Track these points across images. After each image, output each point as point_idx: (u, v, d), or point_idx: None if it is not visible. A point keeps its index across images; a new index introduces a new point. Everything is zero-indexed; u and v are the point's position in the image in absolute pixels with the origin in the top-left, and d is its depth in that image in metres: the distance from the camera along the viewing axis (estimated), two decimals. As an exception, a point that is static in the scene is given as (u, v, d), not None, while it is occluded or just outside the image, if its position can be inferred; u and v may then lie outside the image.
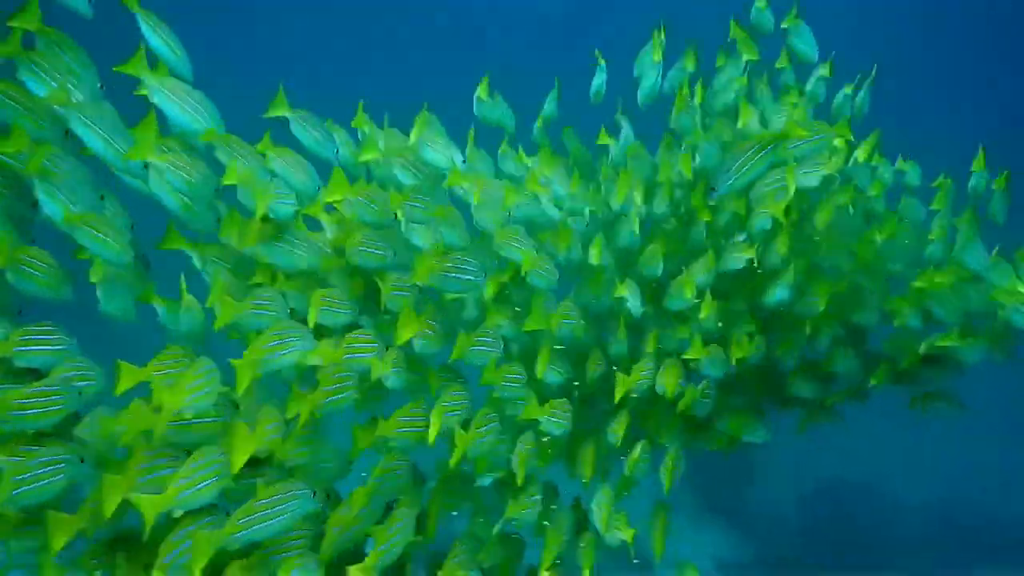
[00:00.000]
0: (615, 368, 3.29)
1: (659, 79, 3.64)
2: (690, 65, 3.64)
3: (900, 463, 8.05)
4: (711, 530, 7.69)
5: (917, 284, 3.46)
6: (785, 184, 2.93)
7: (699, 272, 3.10)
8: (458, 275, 2.81)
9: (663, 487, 3.25)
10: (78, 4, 2.41)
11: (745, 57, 3.43)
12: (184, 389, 2.10)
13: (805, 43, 3.70)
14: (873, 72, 3.96)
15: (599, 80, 3.91)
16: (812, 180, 3.00)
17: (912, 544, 7.51)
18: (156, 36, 2.54)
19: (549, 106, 3.86)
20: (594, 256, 3.12)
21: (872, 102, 4.01)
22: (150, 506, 1.98)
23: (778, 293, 3.28)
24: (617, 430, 3.12)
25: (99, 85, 2.37)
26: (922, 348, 3.53)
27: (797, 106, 3.36)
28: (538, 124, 3.79)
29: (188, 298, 2.59)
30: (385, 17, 15.82)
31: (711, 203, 3.23)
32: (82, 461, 2.12)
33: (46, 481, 1.99)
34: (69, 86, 2.23)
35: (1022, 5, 15.42)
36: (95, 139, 2.28)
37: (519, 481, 2.76)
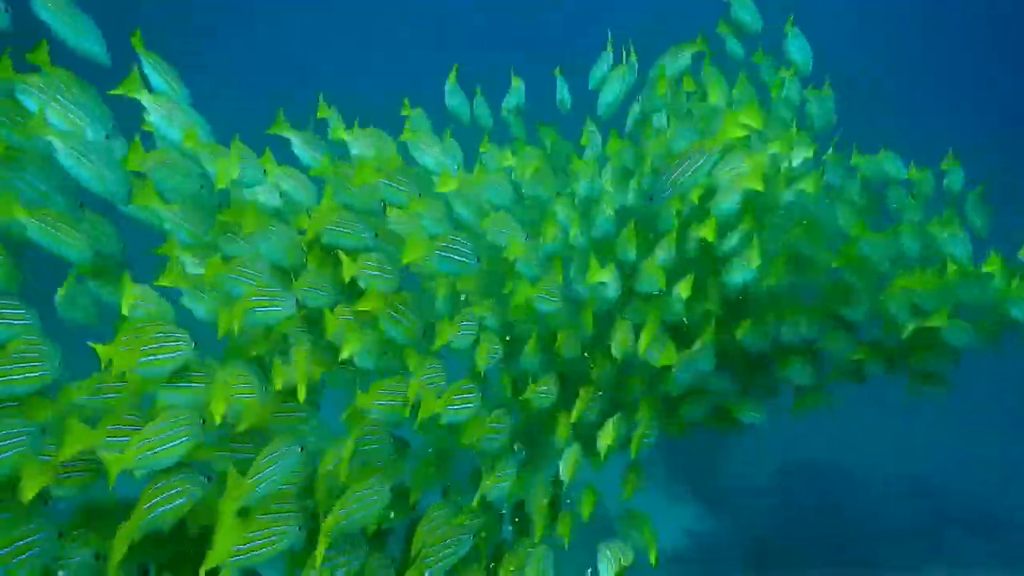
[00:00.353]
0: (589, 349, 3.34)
1: (619, 93, 3.61)
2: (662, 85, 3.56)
3: (873, 443, 8.22)
4: (687, 507, 7.81)
5: (902, 283, 3.47)
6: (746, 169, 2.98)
7: (661, 252, 3.09)
8: (452, 255, 2.82)
9: (631, 452, 3.27)
10: (97, 53, 2.50)
11: (694, 49, 3.41)
12: (139, 351, 2.13)
13: (801, 51, 3.71)
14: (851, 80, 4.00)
15: (562, 92, 3.93)
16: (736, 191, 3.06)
17: (889, 521, 7.74)
18: (157, 75, 2.64)
19: (513, 98, 3.86)
20: (627, 240, 3.09)
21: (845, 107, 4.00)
22: (114, 462, 2.02)
23: (738, 276, 3.27)
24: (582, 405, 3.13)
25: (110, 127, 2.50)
26: (908, 330, 3.54)
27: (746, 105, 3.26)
28: (509, 115, 3.82)
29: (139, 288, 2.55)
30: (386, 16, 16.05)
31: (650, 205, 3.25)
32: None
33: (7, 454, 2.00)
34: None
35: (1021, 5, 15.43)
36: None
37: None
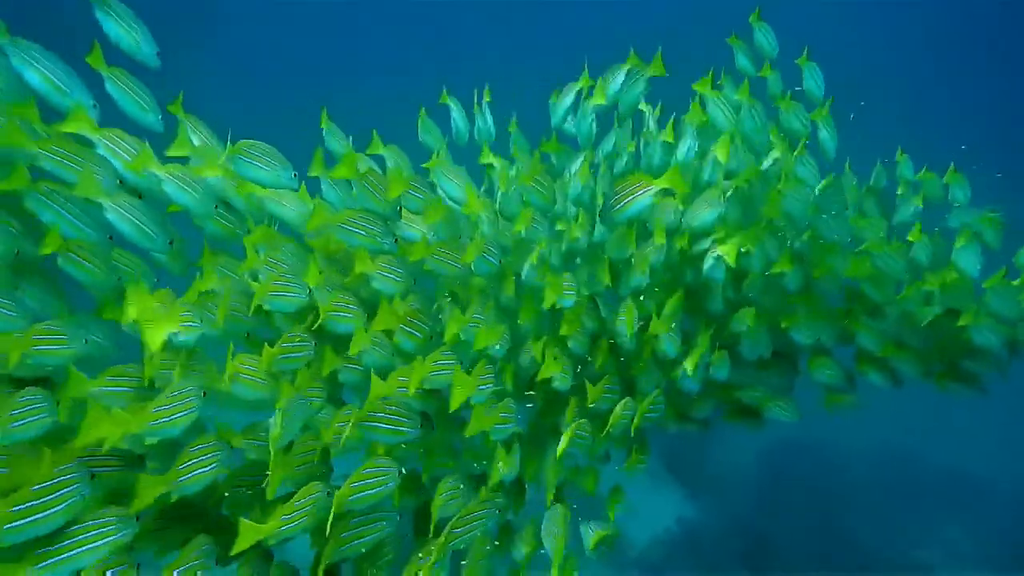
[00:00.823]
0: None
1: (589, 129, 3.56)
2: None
3: (856, 420, 8.46)
4: (672, 491, 8.03)
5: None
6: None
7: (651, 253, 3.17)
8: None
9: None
10: (147, 57, 2.69)
11: (651, 73, 3.37)
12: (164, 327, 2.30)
13: (816, 84, 3.84)
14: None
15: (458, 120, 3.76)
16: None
17: (864, 493, 8.06)
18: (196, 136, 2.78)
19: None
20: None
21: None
22: (121, 424, 2.17)
23: (711, 271, 3.33)
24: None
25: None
26: (926, 319, 3.63)
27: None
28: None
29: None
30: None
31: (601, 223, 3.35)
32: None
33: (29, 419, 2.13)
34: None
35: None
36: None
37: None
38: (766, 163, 3.57)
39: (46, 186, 2.35)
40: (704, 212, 3.27)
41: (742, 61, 3.76)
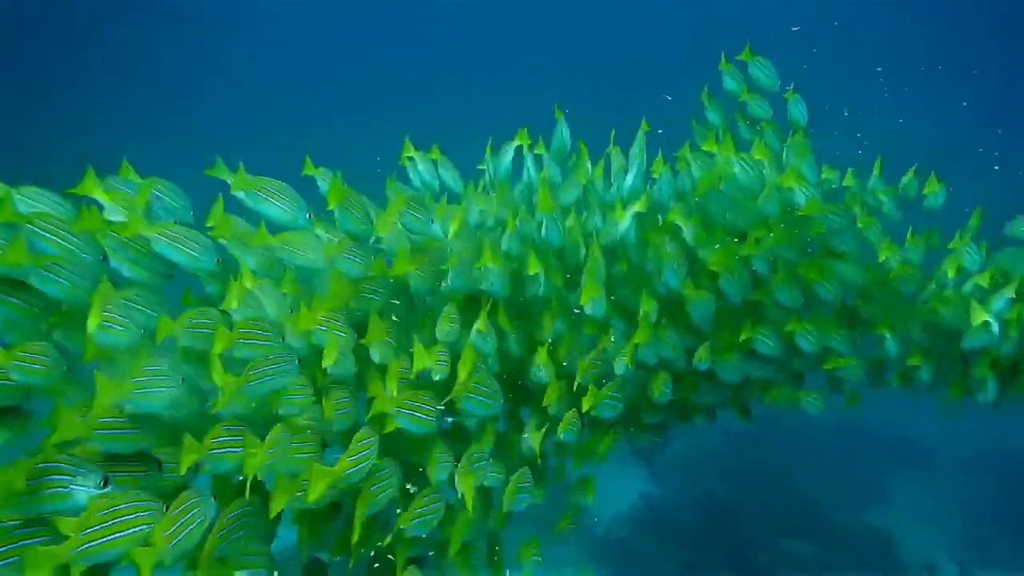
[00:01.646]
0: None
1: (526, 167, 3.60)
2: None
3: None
4: (637, 468, 8.12)
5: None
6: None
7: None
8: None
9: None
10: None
11: (517, 143, 3.49)
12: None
13: (801, 114, 3.94)
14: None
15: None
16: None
17: (823, 462, 8.34)
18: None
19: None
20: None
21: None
22: (107, 389, 2.11)
23: (667, 276, 3.32)
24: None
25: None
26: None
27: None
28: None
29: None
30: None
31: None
32: None
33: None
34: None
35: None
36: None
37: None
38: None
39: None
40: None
41: (730, 84, 3.87)
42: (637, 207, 3.28)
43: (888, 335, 3.72)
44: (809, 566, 6.91)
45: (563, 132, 3.60)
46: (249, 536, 2.43)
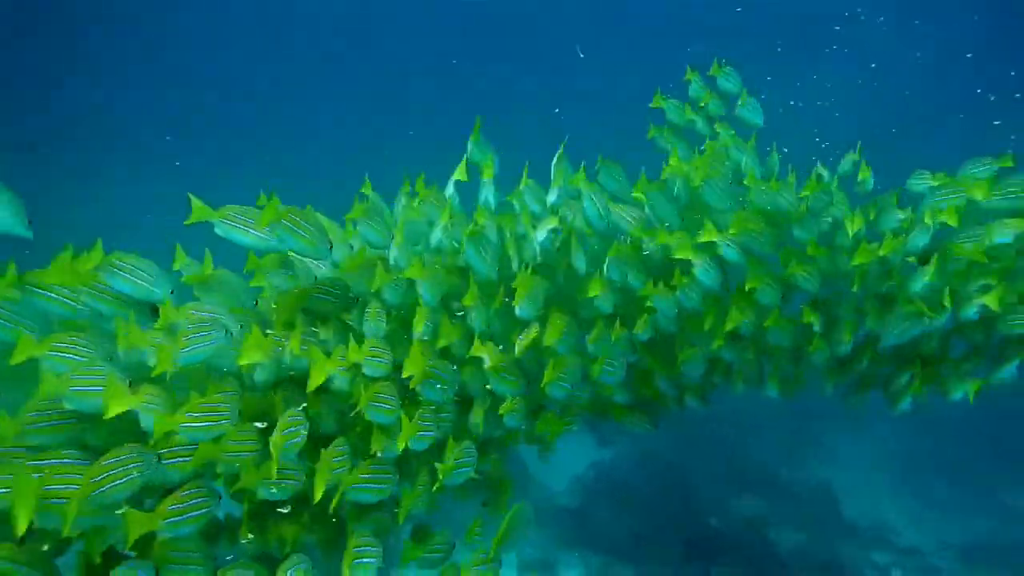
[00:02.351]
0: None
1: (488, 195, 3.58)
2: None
3: None
4: (586, 437, 8.16)
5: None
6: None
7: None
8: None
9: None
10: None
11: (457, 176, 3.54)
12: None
13: (755, 115, 4.18)
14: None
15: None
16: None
17: (770, 423, 8.55)
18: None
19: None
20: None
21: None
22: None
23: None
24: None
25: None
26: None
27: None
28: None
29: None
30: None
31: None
32: None
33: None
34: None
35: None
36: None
37: None
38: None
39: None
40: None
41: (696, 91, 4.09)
42: (551, 224, 3.37)
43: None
44: (759, 524, 7.05)
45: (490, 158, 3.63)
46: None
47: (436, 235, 3.32)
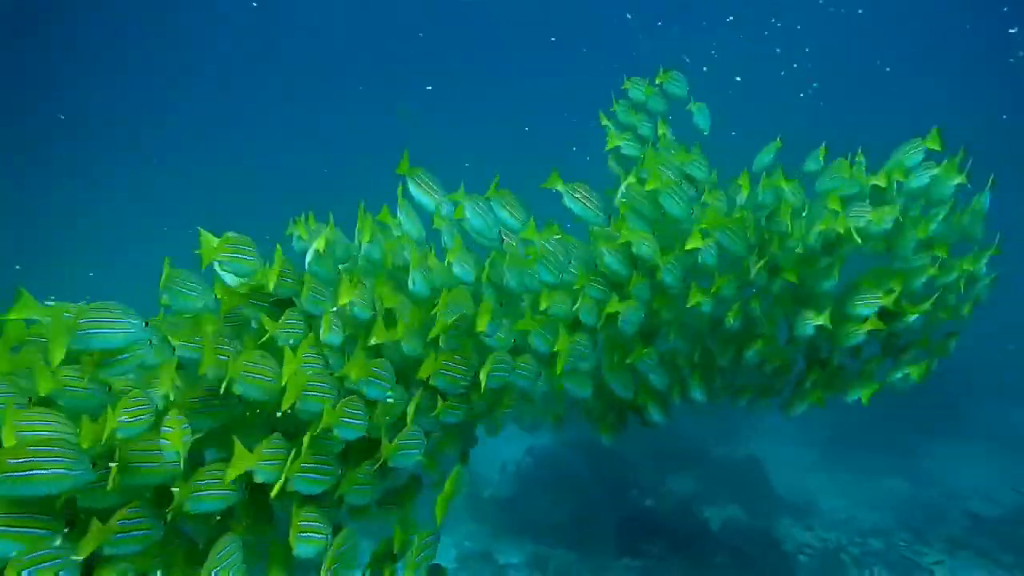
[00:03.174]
0: None
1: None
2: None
3: None
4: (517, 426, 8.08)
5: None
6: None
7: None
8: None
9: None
10: None
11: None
12: None
13: (704, 120, 4.38)
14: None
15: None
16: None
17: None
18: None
19: None
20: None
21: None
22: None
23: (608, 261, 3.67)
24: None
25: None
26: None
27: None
28: None
29: None
30: None
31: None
32: None
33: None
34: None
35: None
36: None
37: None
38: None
39: None
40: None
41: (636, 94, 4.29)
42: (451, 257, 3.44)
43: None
44: (693, 500, 7.17)
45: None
46: None
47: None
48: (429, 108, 19.14)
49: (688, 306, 3.76)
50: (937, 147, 3.85)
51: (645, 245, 3.66)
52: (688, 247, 3.68)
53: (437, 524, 3.07)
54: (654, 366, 3.95)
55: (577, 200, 3.56)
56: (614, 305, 3.64)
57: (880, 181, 3.89)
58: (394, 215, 3.61)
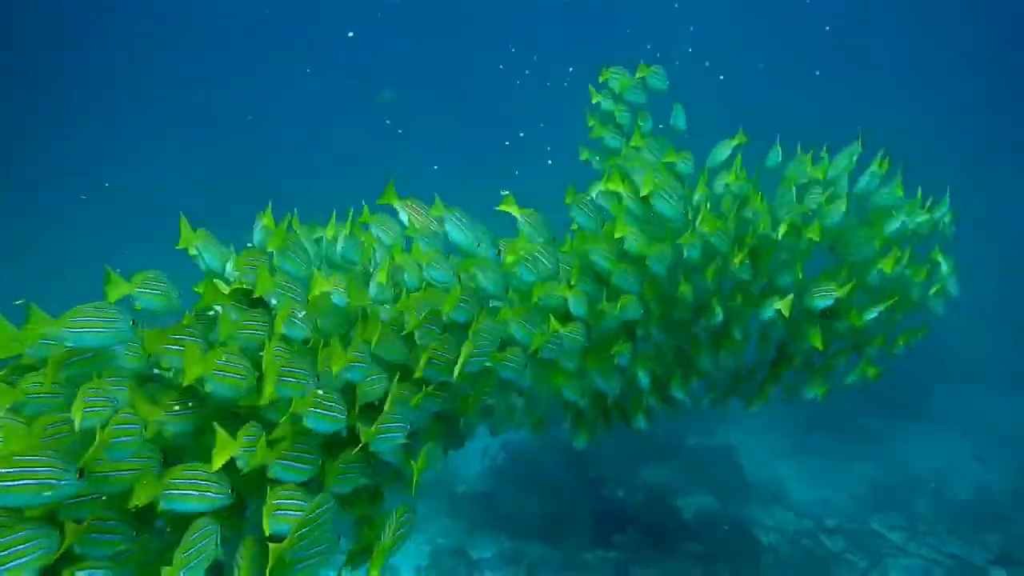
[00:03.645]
0: None
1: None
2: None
3: None
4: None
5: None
6: None
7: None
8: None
9: None
10: None
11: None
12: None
13: (681, 121, 4.47)
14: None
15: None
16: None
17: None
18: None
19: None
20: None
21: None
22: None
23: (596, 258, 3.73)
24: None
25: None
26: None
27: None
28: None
29: None
30: None
31: None
32: None
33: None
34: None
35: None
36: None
37: None
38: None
39: None
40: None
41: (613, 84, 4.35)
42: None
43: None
44: (667, 491, 7.21)
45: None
46: None
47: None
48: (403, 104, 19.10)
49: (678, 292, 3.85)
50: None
51: (635, 241, 3.72)
52: (682, 241, 3.75)
53: (412, 493, 3.10)
54: (633, 360, 3.98)
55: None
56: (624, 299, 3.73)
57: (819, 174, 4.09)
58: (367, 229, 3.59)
